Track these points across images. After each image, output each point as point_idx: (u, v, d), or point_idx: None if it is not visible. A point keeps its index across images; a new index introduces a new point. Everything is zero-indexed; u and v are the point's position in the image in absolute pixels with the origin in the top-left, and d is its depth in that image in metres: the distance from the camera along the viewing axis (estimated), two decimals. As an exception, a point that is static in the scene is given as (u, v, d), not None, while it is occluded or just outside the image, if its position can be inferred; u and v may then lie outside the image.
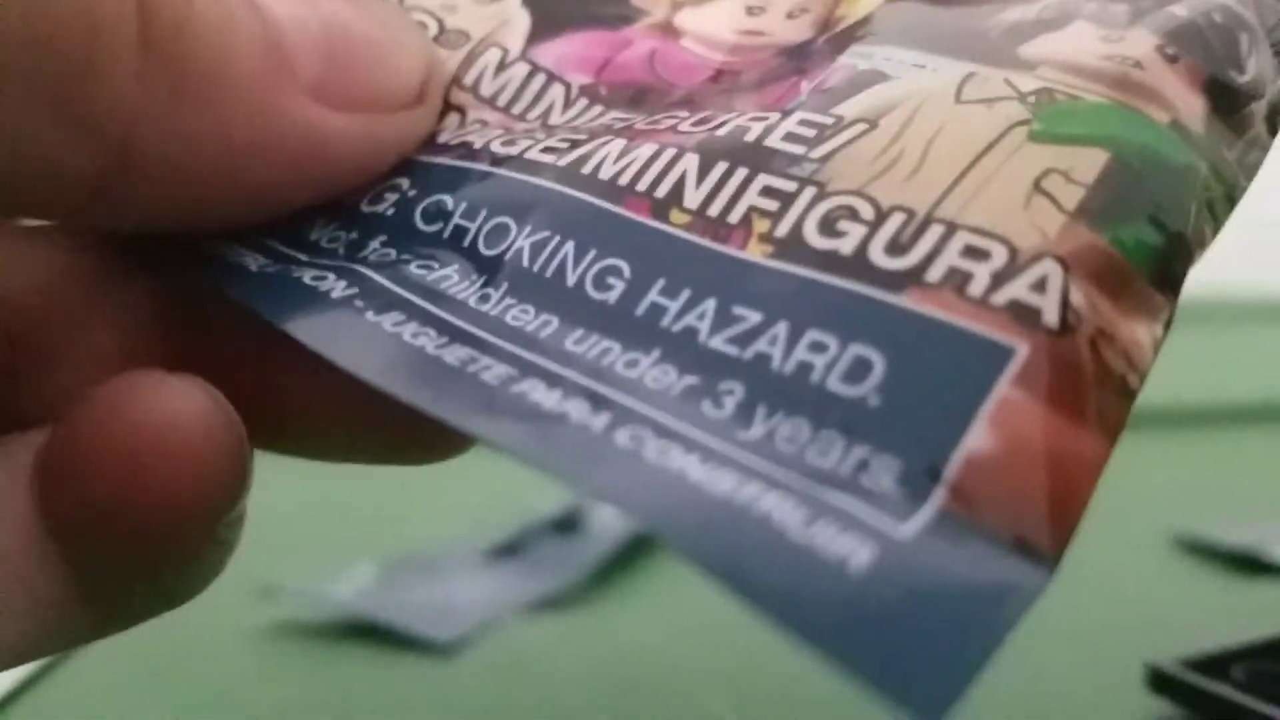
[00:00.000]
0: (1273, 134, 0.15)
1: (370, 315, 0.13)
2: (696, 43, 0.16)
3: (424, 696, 0.25)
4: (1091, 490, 0.12)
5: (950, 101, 0.14)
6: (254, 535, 0.15)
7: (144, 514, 0.12)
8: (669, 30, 0.17)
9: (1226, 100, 0.14)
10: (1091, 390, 0.12)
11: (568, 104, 0.16)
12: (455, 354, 0.13)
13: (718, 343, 0.13)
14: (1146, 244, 0.13)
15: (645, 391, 0.12)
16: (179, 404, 0.13)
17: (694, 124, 0.15)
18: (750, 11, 0.17)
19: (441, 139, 0.15)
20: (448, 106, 0.16)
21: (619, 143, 0.14)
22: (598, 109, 0.16)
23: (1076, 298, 0.12)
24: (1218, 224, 0.14)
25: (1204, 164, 0.14)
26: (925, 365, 0.12)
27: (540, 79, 0.16)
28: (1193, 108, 0.14)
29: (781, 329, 0.12)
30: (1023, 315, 0.12)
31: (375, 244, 0.15)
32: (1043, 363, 0.12)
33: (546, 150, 0.15)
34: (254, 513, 0.14)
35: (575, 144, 0.15)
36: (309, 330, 0.13)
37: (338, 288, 0.14)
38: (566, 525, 0.33)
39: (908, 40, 0.15)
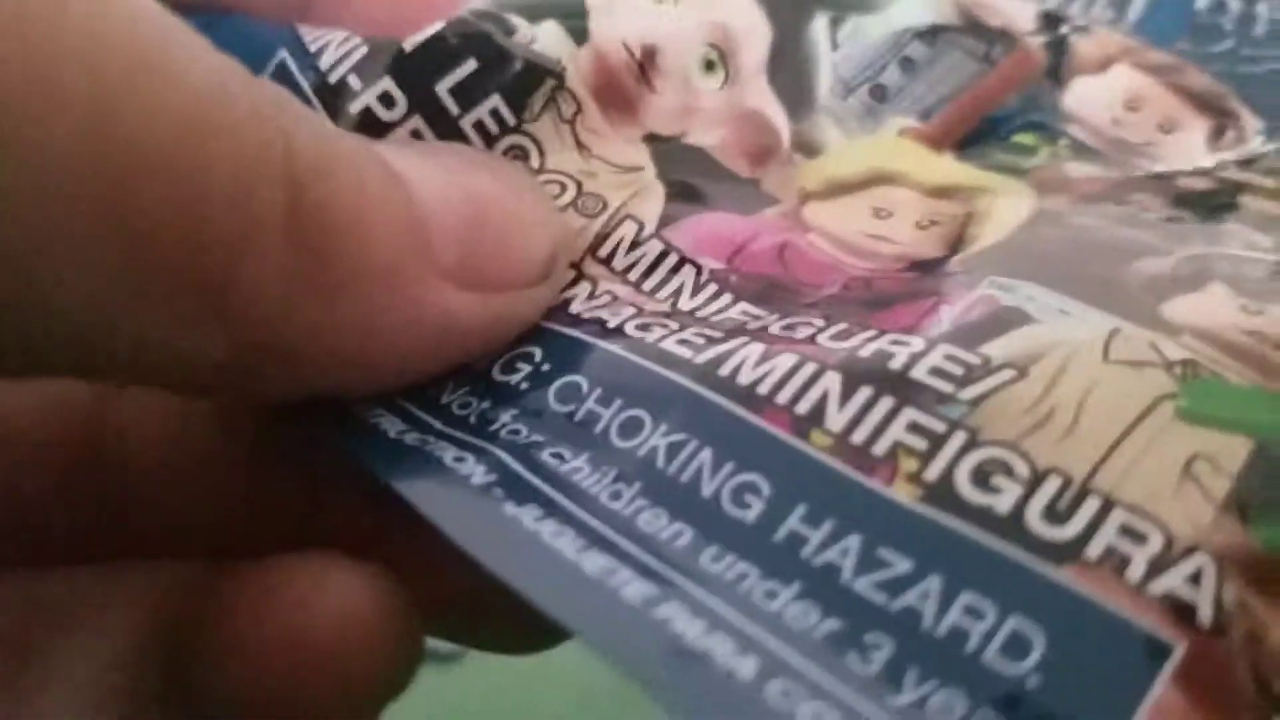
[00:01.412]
0: None
1: (510, 508, 0.13)
2: (824, 239, 0.16)
3: (424, 703, 0.24)
4: None
5: (1099, 359, 0.14)
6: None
7: (314, 702, 0.12)
8: (797, 222, 0.17)
9: None
10: (1242, 696, 0.12)
11: (698, 288, 0.16)
12: (594, 562, 0.13)
13: (863, 586, 0.12)
14: None
15: (788, 633, 0.12)
16: (359, 593, 0.12)
17: (833, 337, 0.14)
18: (878, 214, 0.17)
19: (574, 308, 0.15)
20: (580, 275, 0.16)
21: (757, 347, 0.14)
22: (727, 298, 0.15)
23: (1229, 596, 0.12)
24: None
25: None
26: (1087, 650, 0.12)
27: (673, 258, 0.16)
28: None
29: (934, 584, 0.12)
30: (1179, 610, 0.12)
31: (507, 418, 0.14)
32: (1199, 663, 0.12)
33: (682, 343, 0.14)
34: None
35: (711, 340, 0.14)
36: (456, 523, 0.13)
37: (478, 473, 0.13)
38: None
39: (1049, 279, 0.15)
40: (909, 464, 0.13)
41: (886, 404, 0.13)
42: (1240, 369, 0.14)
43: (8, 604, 0.13)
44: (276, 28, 0.16)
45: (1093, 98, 0.18)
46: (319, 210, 0.12)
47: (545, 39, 0.16)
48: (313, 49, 0.16)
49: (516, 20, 0.16)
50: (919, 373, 0.14)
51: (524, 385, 0.14)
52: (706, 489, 0.13)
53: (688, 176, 0.17)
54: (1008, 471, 0.13)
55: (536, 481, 0.13)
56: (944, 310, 0.15)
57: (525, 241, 0.14)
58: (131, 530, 0.14)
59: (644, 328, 0.15)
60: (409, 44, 0.16)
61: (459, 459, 0.14)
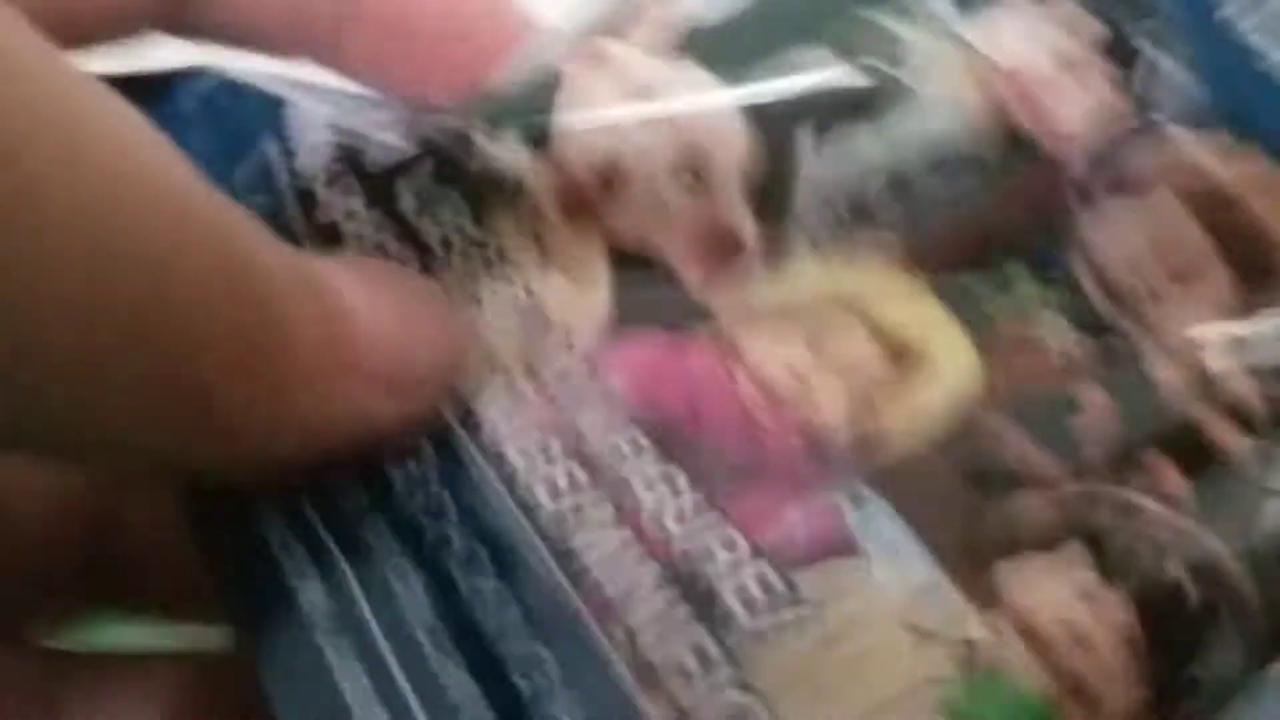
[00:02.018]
0: None
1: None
2: (749, 380, 0.17)
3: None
4: None
5: (894, 619, 0.14)
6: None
7: None
8: (727, 350, 0.17)
9: None
10: None
11: (609, 423, 0.16)
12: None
13: None
14: None
15: None
16: None
17: (683, 539, 0.15)
18: (811, 345, 0.17)
19: (481, 408, 0.17)
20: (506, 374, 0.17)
21: (612, 534, 0.16)
22: (627, 439, 0.16)
23: None
24: None
25: None
26: None
27: (590, 373, 0.17)
28: None
29: None
30: None
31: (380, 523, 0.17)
32: None
33: (553, 493, 0.16)
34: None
35: (575, 487, 0.16)
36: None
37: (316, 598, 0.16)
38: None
39: (908, 506, 0.15)
40: (674, 684, 0.15)
41: (682, 614, 0.15)
42: (1036, 669, 0.14)
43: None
44: (264, 106, 0.17)
45: (1119, 228, 0.17)
46: (276, 327, 0.14)
47: (507, 150, 0.17)
48: (291, 143, 0.17)
49: (478, 135, 0.17)
50: (726, 588, 0.15)
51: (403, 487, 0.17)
52: (502, 649, 0.15)
53: (639, 290, 0.17)
54: None
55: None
56: (789, 512, 0.15)
57: (437, 352, 0.16)
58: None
59: (525, 453, 0.16)
60: (372, 162, 0.17)
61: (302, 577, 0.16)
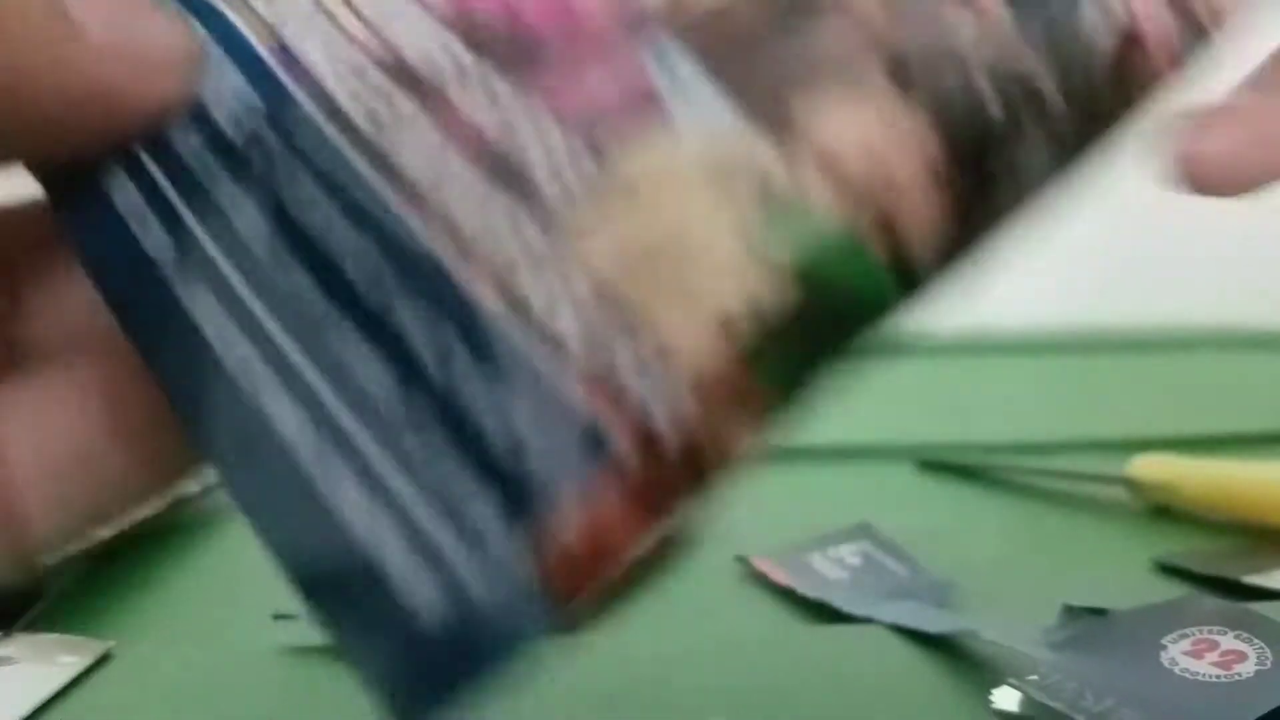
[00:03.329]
0: None
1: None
2: None
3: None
4: None
5: (695, 164, 0.15)
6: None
7: None
8: None
9: None
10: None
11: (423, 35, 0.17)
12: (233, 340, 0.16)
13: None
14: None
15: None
16: None
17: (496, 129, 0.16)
18: None
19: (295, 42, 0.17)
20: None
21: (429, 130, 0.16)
22: (440, 46, 0.16)
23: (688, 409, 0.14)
24: None
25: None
26: (551, 427, 0.14)
27: None
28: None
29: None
30: (640, 428, 0.14)
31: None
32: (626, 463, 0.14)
33: (370, 116, 0.16)
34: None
35: (391, 125, 0.16)
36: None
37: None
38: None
39: (712, 52, 0.15)
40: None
41: (503, 201, 0.15)
42: (835, 195, 0.14)
43: None
44: None
45: None
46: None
47: None
48: None
49: None
50: (541, 175, 0.15)
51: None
52: (332, 245, 0.16)
53: None
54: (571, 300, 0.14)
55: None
56: (597, 80, 0.15)
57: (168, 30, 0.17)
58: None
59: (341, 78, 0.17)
60: None
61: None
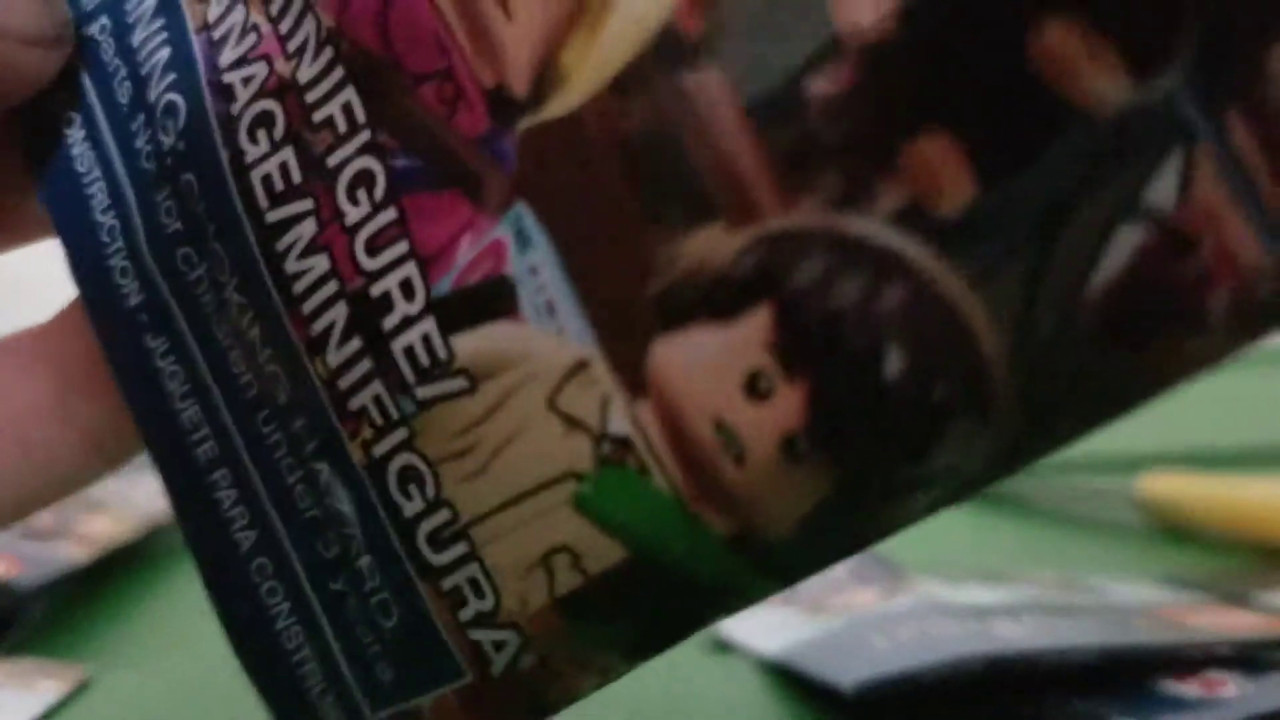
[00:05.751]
0: None
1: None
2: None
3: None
4: None
5: (544, 402, 0.14)
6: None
7: None
8: None
9: None
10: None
11: (317, 50, 0.15)
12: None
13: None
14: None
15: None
16: None
17: (366, 244, 0.15)
18: None
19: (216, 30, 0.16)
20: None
21: (310, 227, 0.15)
22: (338, 73, 0.15)
23: (524, 662, 0.14)
24: None
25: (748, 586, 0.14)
26: (420, 654, 0.15)
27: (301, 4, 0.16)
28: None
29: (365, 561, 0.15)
30: (481, 656, 0.14)
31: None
32: (480, 694, 0.15)
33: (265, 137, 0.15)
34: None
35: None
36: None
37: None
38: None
39: (572, 241, 0.14)
40: (366, 432, 0.15)
41: (365, 367, 0.15)
42: (674, 471, 0.13)
43: None
44: None
45: None
46: None
47: None
48: None
49: None
50: (398, 346, 0.14)
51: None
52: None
53: None
54: (421, 486, 0.14)
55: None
56: (463, 246, 0.14)
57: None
58: None
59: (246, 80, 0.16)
60: None
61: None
